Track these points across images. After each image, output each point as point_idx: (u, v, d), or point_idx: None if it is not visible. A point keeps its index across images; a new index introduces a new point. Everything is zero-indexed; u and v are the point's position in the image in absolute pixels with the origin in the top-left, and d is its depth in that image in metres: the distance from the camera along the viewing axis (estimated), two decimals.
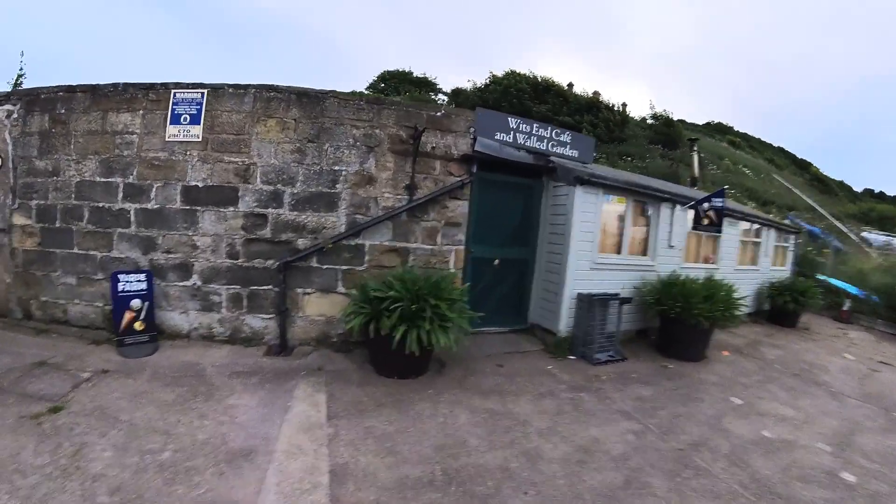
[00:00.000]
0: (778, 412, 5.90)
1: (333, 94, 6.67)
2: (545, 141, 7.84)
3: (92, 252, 6.61)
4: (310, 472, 3.77)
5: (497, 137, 7.38)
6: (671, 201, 8.59)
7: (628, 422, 5.30)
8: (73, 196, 6.65)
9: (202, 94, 6.39)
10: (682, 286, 7.68)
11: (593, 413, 5.46)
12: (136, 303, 5.99)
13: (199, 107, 6.39)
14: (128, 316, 5.91)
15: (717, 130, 38.30)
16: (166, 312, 6.53)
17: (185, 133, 6.39)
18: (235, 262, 6.52)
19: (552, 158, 7.73)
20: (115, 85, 6.56)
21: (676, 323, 7.52)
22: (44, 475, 3.39)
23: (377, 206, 6.85)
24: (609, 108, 21.70)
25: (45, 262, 6.78)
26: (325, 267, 6.68)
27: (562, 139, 8.02)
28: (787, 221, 16.62)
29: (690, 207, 8.51)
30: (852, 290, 14.05)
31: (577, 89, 22.59)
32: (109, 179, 6.53)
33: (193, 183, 6.43)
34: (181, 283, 6.52)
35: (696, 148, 13.63)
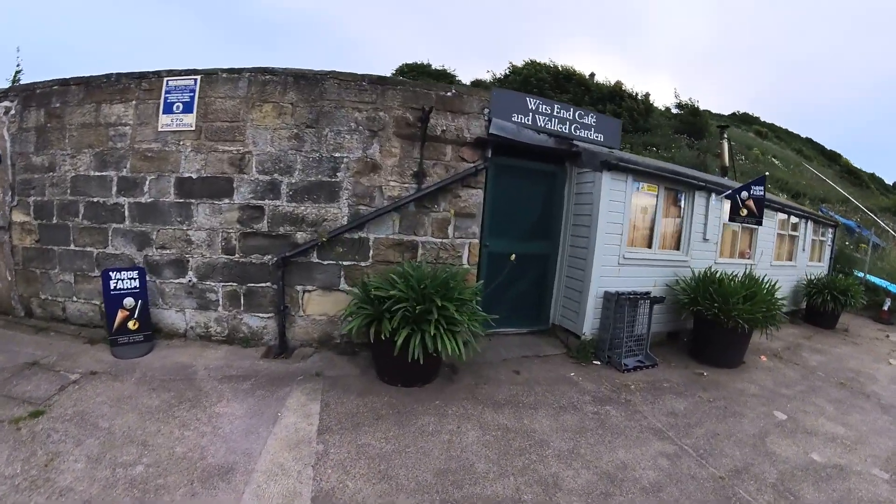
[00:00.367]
0: (826, 430, 5.28)
1: (333, 75, 6.16)
2: (567, 123, 7.19)
3: (88, 248, 6.43)
4: (290, 499, 3.39)
5: (514, 119, 6.77)
6: (706, 190, 7.87)
7: (661, 442, 4.70)
8: (68, 191, 6.46)
9: (195, 80, 6.08)
10: (719, 284, 7.00)
11: (621, 431, 4.86)
12: (129, 301, 5.73)
13: (191, 94, 6.07)
14: (121, 315, 5.66)
15: (743, 121, 37.35)
16: (162, 311, 6.29)
17: (178, 122, 6.09)
18: (232, 257, 6.17)
19: (575, 142, 7.05)
20: (108, 76, 6.32)
21: (712, 325, 6.84)
22: (12, 486, 3.24)
23: (382, 196, 6.32)
24: (632, 98, 21.00)
25: (44, 260, 6.66)
26: (326, 263, 6.23)
27: (586, 121, 7.36)
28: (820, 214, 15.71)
29: (728, 197, 7.77)
30: (893, 288, 13.28)
31: (599, 79, 22.10)
32: (103, 173, 6.30)
33: (187, 174, 6.12)
34: (176, 280, 6.25)
35: (725, 135, 12.83)
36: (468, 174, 6.47)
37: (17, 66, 11.77)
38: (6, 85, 8.97)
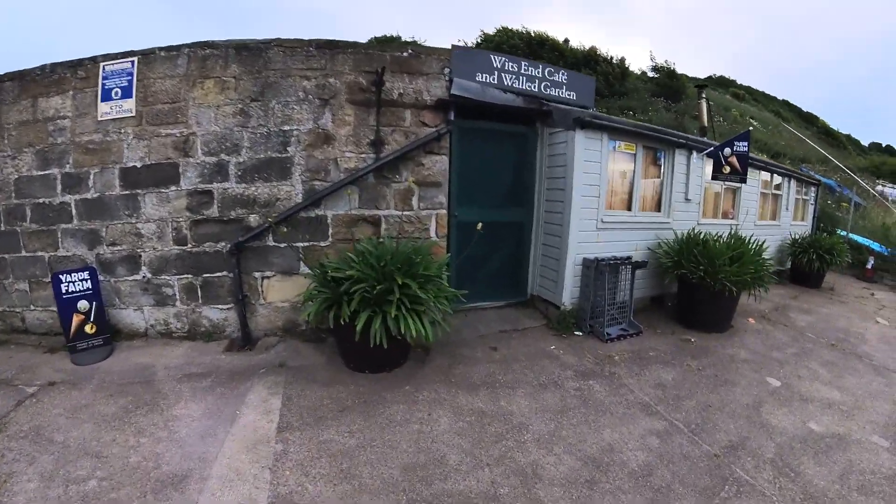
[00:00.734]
0: (822, 395, 5.01)
1: (277, 43, 5.66)
2: (536, 81, 6.70)
3: (40, 253, 5.96)
4: None
5: (479, 79, 6.27)
6: (686, 147, 7.44)
7: (649, 418, 4.35)
8: (13, 195, 5.94)
9: (132, 62, 5.62)
10: (703, 246, 6.61)
11: (606, 408, 4.50)
12: (83, 304, 5.31)
13: (129, 77, 5.62)
14: (76, 319, 5.26)
15: (720, 84, 37.08)
16: (120, 310, 5.90)
17: (118, 109, 5.63)
18: (184, 248, 5.78)
19: (546, 101, 6.56)
20: (41, 67, 5.81)
21: (698, 289, 6.46)
22: None
23: (338, 169, 5.83)
24: (607, 62, 20.50)
25: None
26: (283, 245, 5.81)
27: (556, 79, 6.88)
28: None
29: (710, 155, 7.35)
30: (876, 246, 13.14)
31: (574, 45, 21.56)
32: (47, 172, 5.83)
33: (131, 164, 5.68)
34: (131, 277, 5.84)
35: (704, 95, 12.41)
36: (430, 139, 5.98)
37: None
38: None
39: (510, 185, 6.92)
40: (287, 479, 3.31)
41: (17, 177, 5.88)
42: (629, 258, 6.45)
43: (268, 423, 3.98)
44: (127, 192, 5.70)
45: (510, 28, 21.17)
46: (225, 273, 5.77)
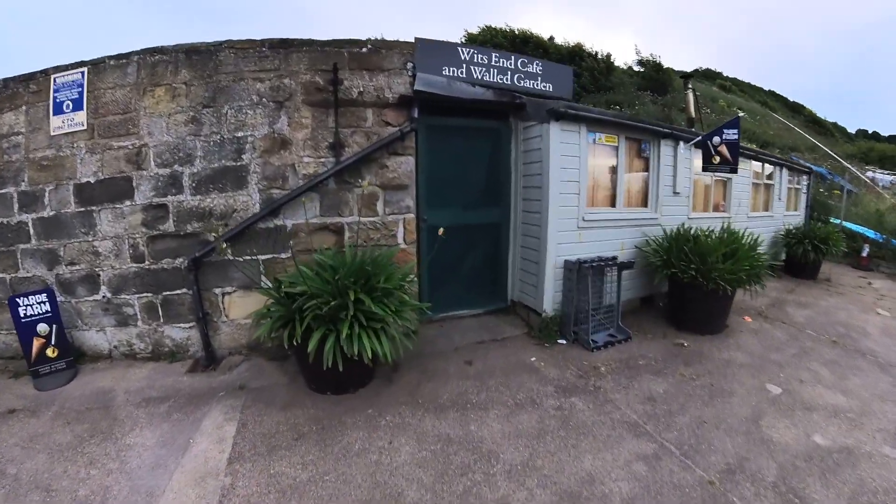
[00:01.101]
0: (826, 401, 4.47)
1: (228, 45, 5.21)
2: (509, 73, 6.11)
3: (1, 275, 5.51)
4: None
5: (445, 73, 5.71)
6: (672, 137, 6.84)
7: (637, 440, 3.78)
8: None
9: (82, 73, 5.24)
10: (694, 242, 6.02)
11: (588, 430, 3.93)
12: (42, 327, 4.97)
13: (80, 89, 5.25)
14: (37, 343, 4.93)
15: (707, 76, 36.61)
16: (83, 332, 5.49)
17: (70, 122, 5.26)
18: (142, 265, 5.36)
19: (519, 94, 5.96)
20: None
21: (690, 289, 5.87)
22: None
23: (296, 176, 5.36)
24: (592, 57, 19.91)
25: None
26: (242, 259, 5.31)
27: (530, 70, 6.27)
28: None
29: (698, 144, 6.74)
30: (870, 234, 12.63)
31: (559, 41, 21.02)
32: (4, 191, 5.42)
33: (85, 179, 5.29)
34: (91, 298, 5.43)
35: (690, 86, 11.84)
36: (393, 140, 5.43)
37: None
38: None
39: (484, 184, 6.32)
40: None
41: None
42: (614, 258, 5.86)
43: (219, 453, 3.60)
44: (82, 210, 5.30)
45: (494, 27, 20.62)
46: (185, 290, 5.31)
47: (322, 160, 5.36)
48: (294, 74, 5.26)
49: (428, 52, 5.62)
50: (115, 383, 4.82)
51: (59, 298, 5.28)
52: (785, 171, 10.76)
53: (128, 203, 5.25)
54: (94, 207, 5.27)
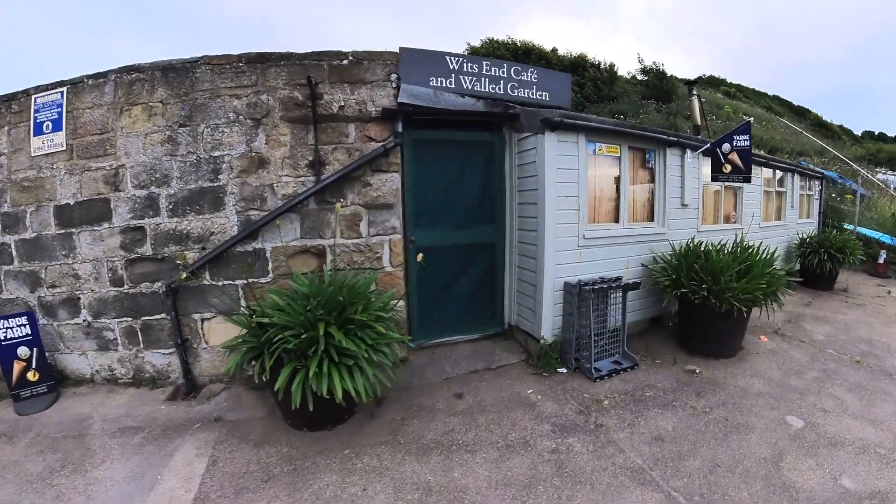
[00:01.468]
0: (854, 435, 3.90)
1: (204, 60, 4.88)
2: (501, 82, 5.59)
3: None
4: None
5: (433, 84, 5.23)
6: (679, 146, 6.26)
7: (641, 489, 3.26)
8: None
9: (61, 93, 5.04)
10: (705, 259, 5.43)
11: (587, 478, 3.41)
12: (23, 350, 4.80)
13: (59, 109, 5.05)
14: (17, 366, 4.76)
15: (711, 83, 35.89)
16: (66, 355, 5.26)
17: (49, 143, 5.07)
18: (121, 289, 5.06)
19: (512, 103, 5.42)
20: None
21: (702, 309, 5.29)
22: None
23: (275, 196, 4.98)
24: (595, 67, 19.36)
25: None
26: (221, 283, 4.96)
27: (524, 78, 5.75)
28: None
29: (707, 153, 6.16)
30: (886, 239, 11.82)
31: (562, 52, 20.52)
32: None
33: (65, 201, 5.06)
34: (72, 321, 5.18)
35: (695, 92, 11.20)
36: (376, 156, 4.96)
37: None
38: None
39: (477, 201, 5.76)
40: None
41: None
42: (619, 279, 5.30)
43: (185, 493, 3.32)
44: (62, 231, 5.07)
45: (496, 39, 20.11)
46: (164, 315, 4.98)
47: (301, 179, 4.94)
48: (272, 90, 4.88)
49: (413, 62, 5.15)
50: (93, 410, 4.57)
51: (41, 321, 5.10)
52: (796, 177, 10.12)
53: (106, 225, 4.96)
54: (73, 230, 5.01)
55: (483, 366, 5.20)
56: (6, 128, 5.13)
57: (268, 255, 4.95)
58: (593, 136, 5.43)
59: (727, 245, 5.80)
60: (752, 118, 6.29)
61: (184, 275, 4.58)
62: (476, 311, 5.90)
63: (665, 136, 6.10)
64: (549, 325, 5.21)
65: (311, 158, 4.90)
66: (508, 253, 5.86)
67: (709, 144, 6.17)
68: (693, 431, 3.95)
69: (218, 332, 4.93)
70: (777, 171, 9.43)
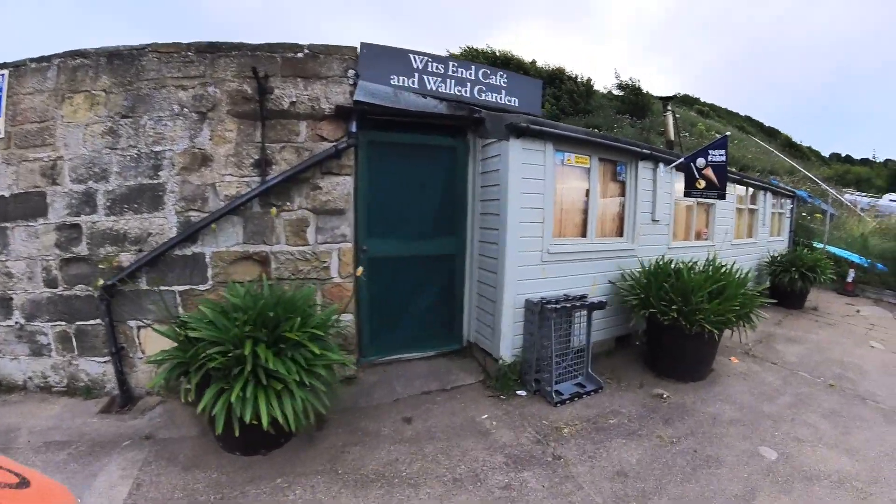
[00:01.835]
0: (830, 467, 3.62)
1: (152, 48, 4.43)
2: (468, 85, 5.21)
3: None
4: None
5: (394, 82, 4.84)
6: (652, 158, 5.91)
7: None
8: None
9: (2, 76, 4.58)
10: (676, 277, 5.07)
11: None
12: None
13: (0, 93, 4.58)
14: None
15: (684, 102, 35.91)
16: None
17: None
18: (55, 290, 4.61)
19: (478, 108, 5.01)
20: None
21: (671, 330, 4.90)
22: None
23: (217, 197, 4.51)
24: (573, 80, 19.07)
25: None
26: (158, 289, 4.45)
27: (493, 82, 5.38)
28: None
29: (680, 167, 5.83)
30: (855, 258, 11.78)
31: (541, 64, 20.29)
32: None
33: (0, 193, 4.58)
34: (4, 323, 4.69)
35: (669, 108, 11.01)
36: (327, 157, 4.50)
37: None
38: None
39: (438, 210, 5.31)
40: None
41: None
42: (583, 297, 4.90)
43: None
44: None
45: (475, 48, 19.75)
46: (99, 321, 4.49)
47: (246, 179, 4.49)
48: (220, 82, 4.43)
49: (374, 58, 4.75)
50: (22, 420, 4.13)
51: None
52: (769, 194, 9.91)
53: (42, 221, 4.52)
54: (7, 224, 4.55)
55: (437, 386, 4.75)
56: None
57: (207, 260, 4.49)
58: (562, 145, 5.04)
59: (699, 263, 5.45)
60: (729, 133, 5.96)
61: (99, 282, 4.16)
62: (433, 327, 5.44)
63: (637, 149, 5.73)
64: (508, 344, 4.80)
65: (257, 157, 4.45)
66: (469, 266, 5.43)
67: (683, 158, 5.83)
68: (659, 465, 3.58)
69: (154, 342, 4.35)
70: (750, 189, 9.19)
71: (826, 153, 46.55)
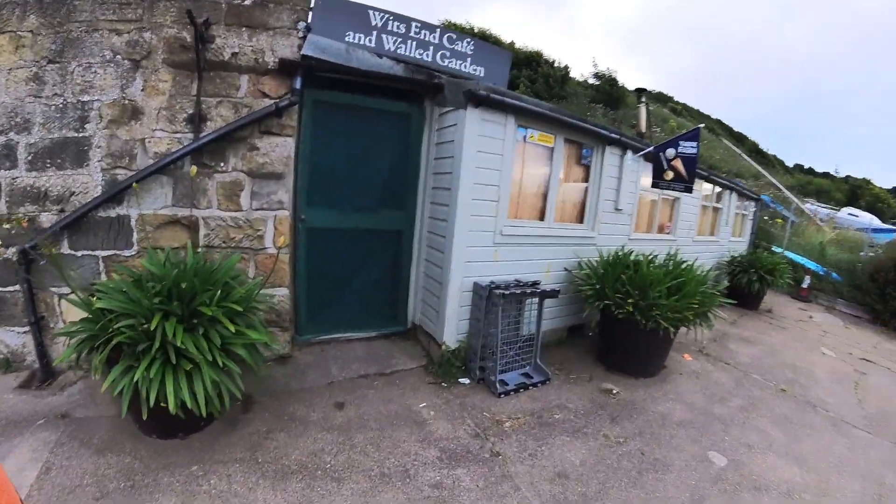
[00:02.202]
0: (779, 476, 3.52)
1: None
2: (431, 49, 4.88)
3: None
4: None
5: (349, 39, 4.47)
6: (620, 145, 5.65)
7: None
8: None
9: None
10: (635, 270, 4.85)
11: None
12: None
13: None
14: None
15: (658, 99, 36.03)
16: None
17: None
18: None
19: (438, 73, 4.65)
20: None
21: (625, 324, 4.65)
22: None
23: (146, 154, 4.01)
24: (550, 64, 18.80)
25: None
26: (80, 254, 4.03)
27: (458, 48, 5.06)
28: None
29: (649, 157, 5.61)
30: (812, 265, 12.03)
31: (519, 45, 19.97)
32: None
33: None
34: None
35: (643, 99, 10.85)
36: (266, 114, 4.05)
37: None
38: None
39: (386, 181, 4.91)
40: None
41: None
42: (536, 283, 4.63)
43: None
44: None
45: (454, 23, 19.30)
46: (17, 287, 4.00)
47: (178, 136, 4.02)
48: (158, 27, 3.94)
49: (329, 11, 4.39)
50: None
51: None
52: (734, 195, 9.83)
53: None
54: None
55: (376, 370, 4.43)
56: None
57: (132, 223, 4.03)
58: (525, 120, 4.72)
59: (659, 257, 5.24)
60: (703, 125, 5.75)
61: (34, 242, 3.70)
62: (377, 306, 5.09)
63: (606, 132, 5.43)
64: (453, 329, 4.50)
65: (191, 112, 4.00)
66: (417, 243, 5.08)
67: (652, 147, 5.59)
68: (604, 467, 3.37)
69: (76, 311, 3.92)
70: (716, 187, 9.11)
71: (790, 163, 47.55)
